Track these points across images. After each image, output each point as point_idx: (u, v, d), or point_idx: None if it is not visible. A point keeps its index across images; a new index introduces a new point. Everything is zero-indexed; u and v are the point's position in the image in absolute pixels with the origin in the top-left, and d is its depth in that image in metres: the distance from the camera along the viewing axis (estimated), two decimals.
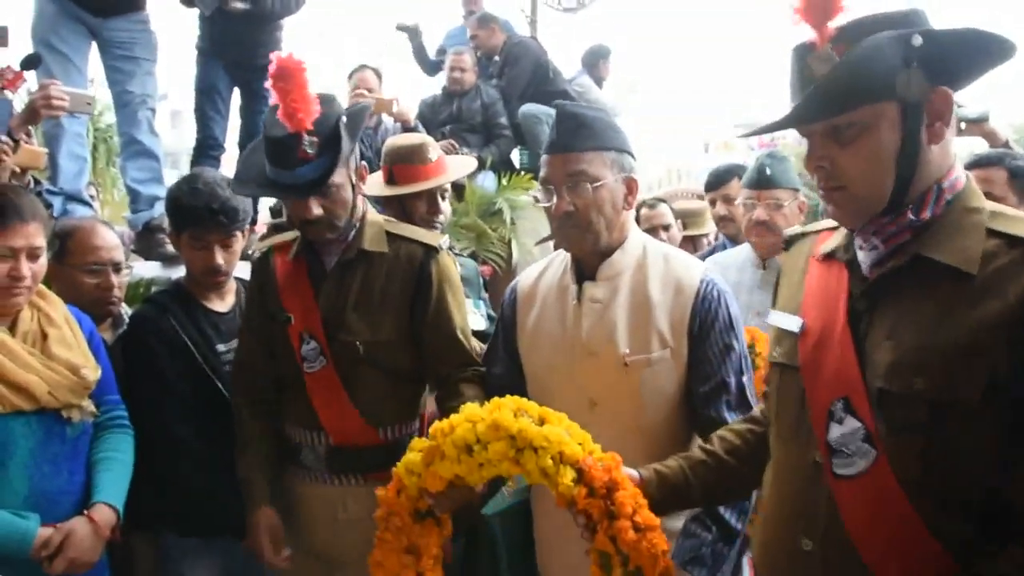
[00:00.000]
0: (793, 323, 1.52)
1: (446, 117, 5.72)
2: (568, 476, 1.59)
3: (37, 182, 3.55)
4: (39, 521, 2.01)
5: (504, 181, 5.27)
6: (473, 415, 1.68)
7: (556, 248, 2.21)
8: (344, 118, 2.26)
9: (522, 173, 5.31)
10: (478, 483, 1.71)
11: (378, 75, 5.34)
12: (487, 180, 5.37)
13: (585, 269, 2.05)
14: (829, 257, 1.52)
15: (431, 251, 2.34)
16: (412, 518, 1.81)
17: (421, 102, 5.95)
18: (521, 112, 5.74)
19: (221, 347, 2.53)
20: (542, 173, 2.02)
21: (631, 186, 2.01)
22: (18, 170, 3.46)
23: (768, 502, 1.60)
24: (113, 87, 4.21)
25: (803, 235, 1.66)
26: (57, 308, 2.18)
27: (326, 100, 2.24)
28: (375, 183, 3.05)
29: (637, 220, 4.41)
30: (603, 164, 1.96)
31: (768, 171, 2.94)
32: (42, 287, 2.17)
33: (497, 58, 6.11)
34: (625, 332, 1.98)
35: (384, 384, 2.30)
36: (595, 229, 1.98)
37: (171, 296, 2.56)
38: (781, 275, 1.68)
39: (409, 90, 6.11)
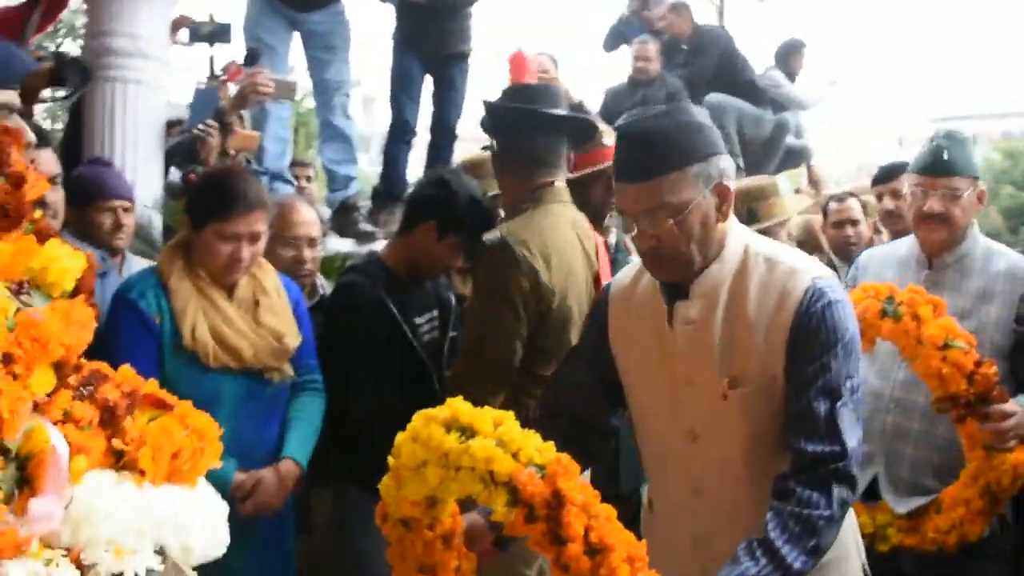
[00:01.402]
0: None
1: (630, 106, 5.67)
2: (502, 498, 1.35)
3: (247, 162, 3.83)
4: (236, 466, 2.20)
5: None
6: (415, 432, 1.47)
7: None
8: None
9: None
10: (452, 498, 1.54)
11: (554, 61, 5.42)
12: None
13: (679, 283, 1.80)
14: None
15: None
16: (409, 533, 1.62)
17: (605, 91, 5.96)
18: (707, 102, 5.64)
19: (418, 319, 2.69)
20: (616, 200, 1.77)
21: (724, 194, 1.71)
22: (233, 152, 3.76)
23: None
24: (312, 75, 4.53)
25: None
26: (270, 278, 2.35)
27: None
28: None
29: (825, 214, 4.30)
30: (685, 184, 1.67)
31: (945, 154, 2.52)
32: (261, 258, 2.34)
33: (684, 46, 6.04)
34: (723, 357, 1.73)
35: None
36: (685, 258, 1.72)
37: (375, 267, 2.72)
38: None
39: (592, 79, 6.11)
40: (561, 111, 2.54)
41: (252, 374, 2.27)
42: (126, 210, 2.81)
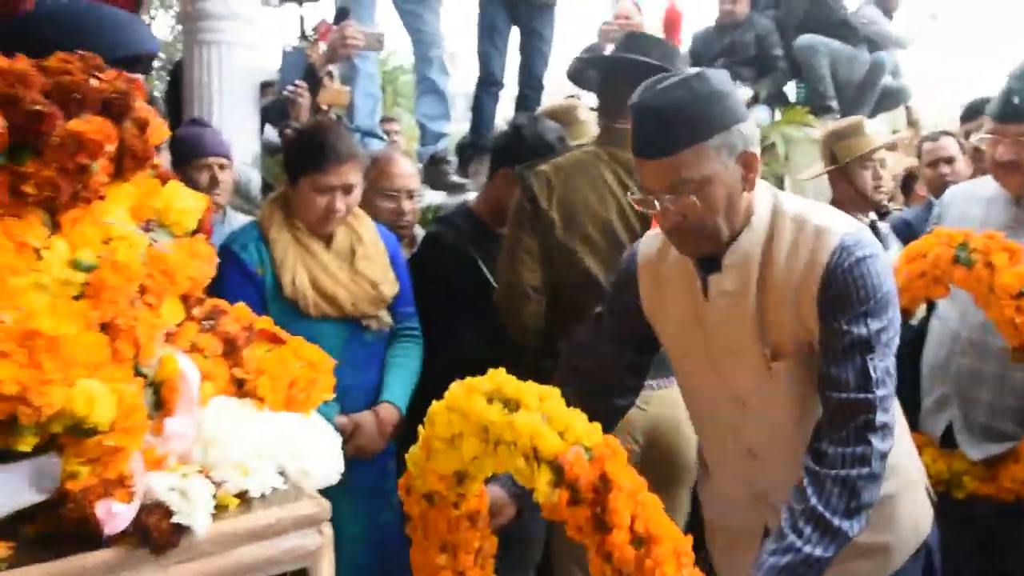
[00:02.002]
0: None
1: (718, 50, 5.60)
2: (545, 477, 1.28)
3: (338, 118, 3.92)
4: (337, 410, 2.29)
5: (778, 115, 5.10)
6: (454, 402, 1.39)
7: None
8: None
9: (798, 107, 5.10)
10: (483, 475, 1.47)
11: (637, 6, 5.35)
12: (760, 114, 5.22)
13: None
14: None
15: None
16: (432, 508, 1.54)
17: (693, 36, 5.85)
18: (797, 43, 5.50)
19: None
20: (637, 177, 1.70)
21: (749, 163, 1.63)
22: (325, 107, 3.85)
23: None
24: (409, 29, 4.57)
25: None
26: (367, 229, 2.42)
27: None
28: None
29: (919, 155, 4.18)
30: (707, 157, 1.59)
31: (1016, 99, 2.45)
32: (357, 208, 2.41)
33: None
34: (762, 328, 1.69)
35: None
36: (712, 232, 1.65)
37: (461, 217, 2.77)
38: None
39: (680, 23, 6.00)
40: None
41: (351, 321, 2.35)
42: (222, 167, 2.92)
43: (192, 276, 0.97)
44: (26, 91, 0.82)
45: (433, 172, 4.48)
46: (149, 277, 0.93)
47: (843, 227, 1.64)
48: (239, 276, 2.26)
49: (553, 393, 1.40)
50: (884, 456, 1.60)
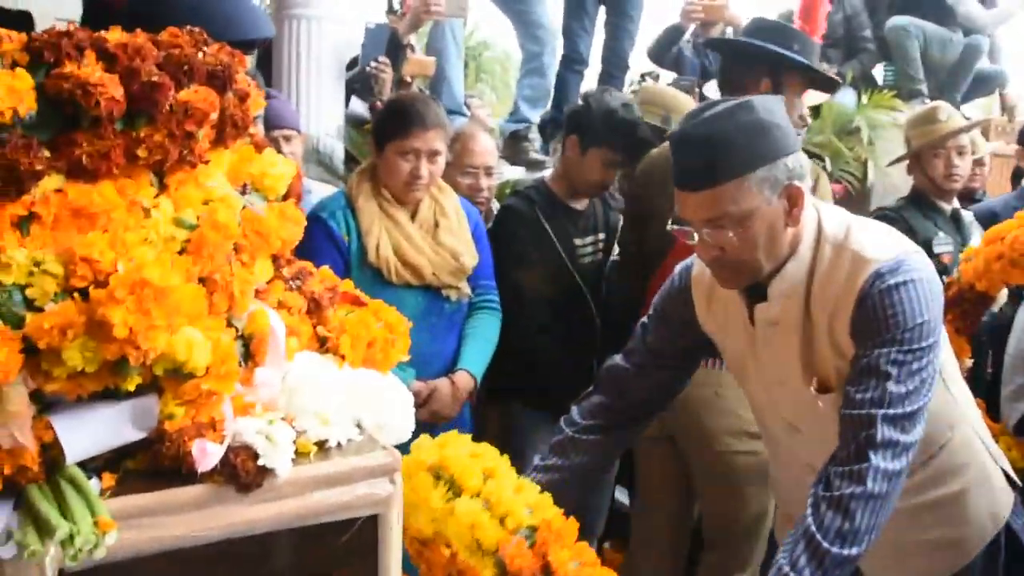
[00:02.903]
0: None
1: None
2: (488, 572, 1.28)
3: (421, 92, 4.00)
4: (414, 376, 2.37)
5: (865, 98, 4.99)
6: (408, 471, 1.34)
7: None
8: None
9: (885, 91, 4.99)
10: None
11: None
12: (846, 97, 5.09)
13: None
14: None
15: None
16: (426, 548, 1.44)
17: (778, 16, 5.75)
18: (889, 24, 5.36)
19: (578, 241, 2.78)
20: (676, 207, 1.64)
21: (794, 197, 1.57)
22: (409, 79, 3.93)
23: None
24: (511, 11, 4.60)
25: None
26: (451, 201, 2.50)
27: None
28: None
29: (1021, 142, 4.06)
30: (749, 192, 1.53)
31: None
32: (441, 181, 2.49)
33: None
34: (806, 361, 1.65)
35: None
36: (751, 268, 1.61)
37: (537, 192, 2.82)
38: None
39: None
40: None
41: (431, 290, 2.44)
42: (287, 139, 3.00)
43: (283, 237, 1.05)
44: (143, 63, 0.90)
45: (513, 148, 4.53)
46: (244, 237, 1.01)
47: (883, 252, 1.57)
48: (326, 242, 2.36)
49: (498, 467, 1.39)
50: (890, 476, 1.50)
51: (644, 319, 1.94)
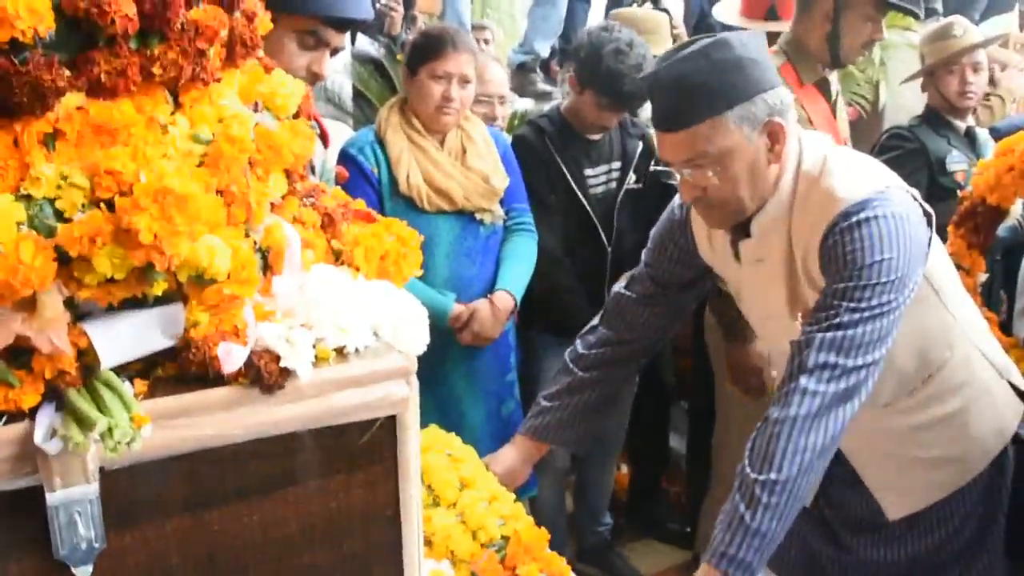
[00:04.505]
0: None
1: None
2: None
3: None
4: (454, 299, 2.44)
5: None
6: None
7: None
8: None
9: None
10: None
11: None
12: None
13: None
14: None
15: None
16: None
17: None
18: None
19: (589, 171, 2.81)
20: (657, 147, 1.67)
21: (775, 134, 1.58)
22: (417, 15, 3.93)
23: None
24: None
25: None
26: (478, 129, 2.56)
27: None
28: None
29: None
30: (726, 130, 1.54)
31: None
32: (468, 112, 2.55)
33: None
34: (791, 298, 1.68)
35: None
36: (735, 206, 1.63)
37: (549, 121, 2.85)
38: None
39: None
40: None
41: (465, 215, 2.51)
42: None
43: (295, 152, 1.09)
44: None
45: (520, 79, 4.54)
46: (258, 151, 1.05)
47: (853, 191, 1.56)
48: (355, 175, 2.43)
49: (476, 476, 1.47)
50: (820, 396, 1.49)
51: (645, 250, 1.97)
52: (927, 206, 1.67)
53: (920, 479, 1.81)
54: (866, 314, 1.50)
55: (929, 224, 1.65)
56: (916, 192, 1.69)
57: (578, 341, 1.97)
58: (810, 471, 1.49)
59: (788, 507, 1.48)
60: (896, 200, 1.57)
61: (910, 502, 1.81)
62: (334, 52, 1.81)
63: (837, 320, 1.50)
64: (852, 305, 1.50)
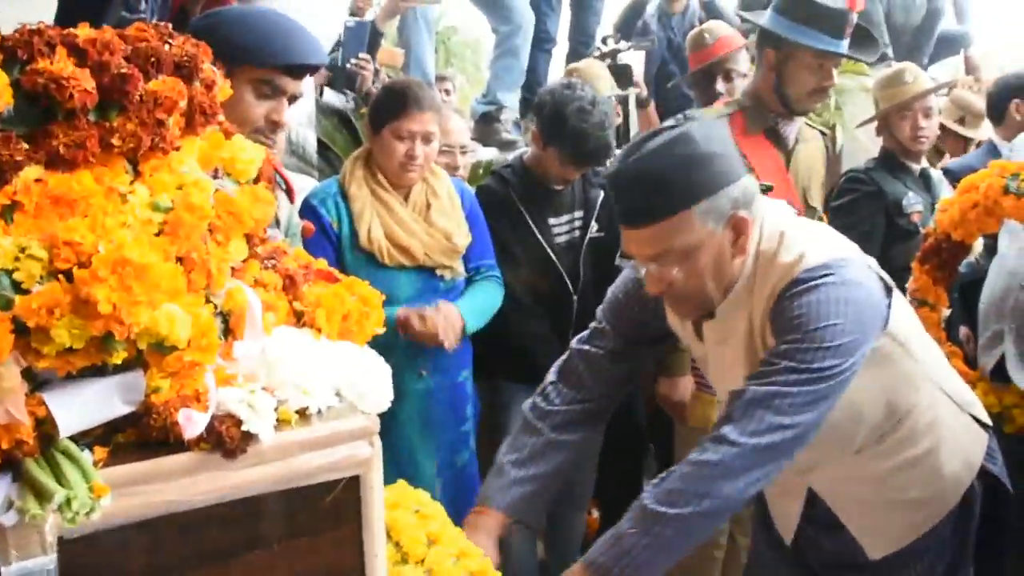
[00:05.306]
0: None
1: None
2: None
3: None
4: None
5: None
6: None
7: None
8: None
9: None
10: None
11: None
12: None
13: None
14: None
15: None
16: None
17: None
18: None
19: (552, 220, 2.85)
20: (622, 242, 1.65)
21: (739, 227, 1.57)
22: (379, 68, 3.98)
23: None
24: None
25: None
26: (443, 184, 2.58)
27: None
28: None
29: None
30: (691, 226, 1.53)
31: None
32: (434, 165, 2.55)
33: None
34: (751, 366, 1.65)
35: None
36: (700, 298, 1.64)
37: (513, 172, 2.89)
38: None
39: None
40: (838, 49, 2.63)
41: (426, 271, 2.51)
42: None
43: (256, 217, 1.11)
44: (112, 57, 0.95)
45: (485, 128, 4.60)
46: (218, 217, 1.07)
47: (807, 260, 1.56)
48: (316, 229, 2.42)
49: (442, 534, 1.48)
50: (737, 446, 1.48)
51: (604, 308, 1.94)
52: (887, 277, 1.69)
53: (899, 520, 1.83)
54: (804, 376, 1.49)
55: (889, 294, 1.66)
56: (874, 262, 1.70)
57: (537, 399, 1.90)
58: (710, 517, 1.49)
59: (674, 545, 1.47)
60: (852, 269, 1.58)
61: (891, 541, 1.83)
62: (292, 100, 1.82)
63: (774, 377, 1.51)
64: (792, 365, 1.50)
